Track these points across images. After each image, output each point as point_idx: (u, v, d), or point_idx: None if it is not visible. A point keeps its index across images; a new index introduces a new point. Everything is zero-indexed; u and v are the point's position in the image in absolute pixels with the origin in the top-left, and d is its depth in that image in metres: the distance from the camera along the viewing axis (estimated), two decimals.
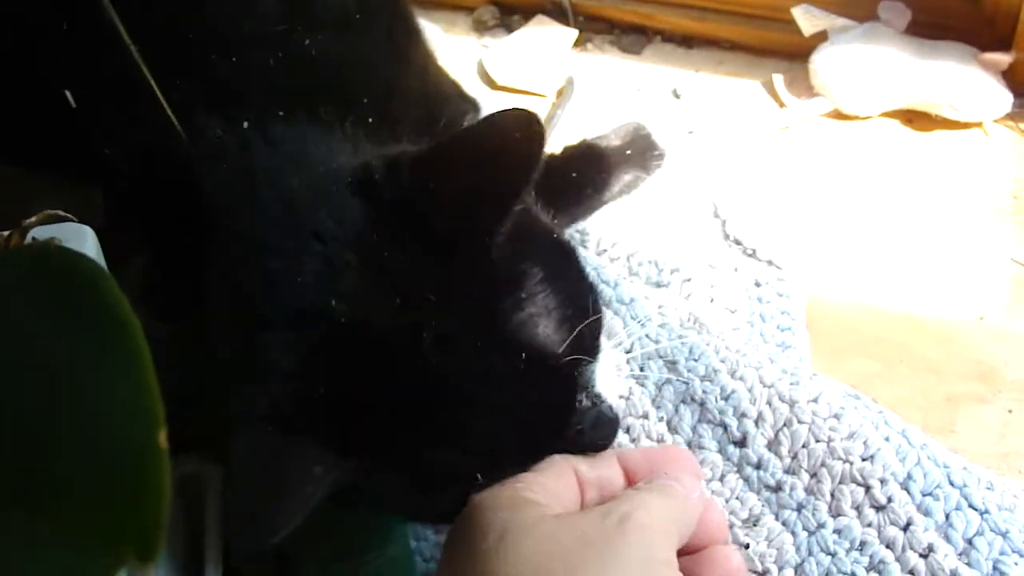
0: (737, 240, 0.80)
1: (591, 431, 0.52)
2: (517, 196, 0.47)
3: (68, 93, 0.58)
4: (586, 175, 0.84)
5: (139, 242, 0.62)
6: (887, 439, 0.56)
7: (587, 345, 0.51)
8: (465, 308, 0.48)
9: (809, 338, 0.74)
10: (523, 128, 0.45)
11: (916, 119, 0.90)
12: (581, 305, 0.51)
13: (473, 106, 0.76)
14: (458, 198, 0.48)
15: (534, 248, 0.51)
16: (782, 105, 0.93)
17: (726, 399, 0.60)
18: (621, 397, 0.62)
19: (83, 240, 0.56)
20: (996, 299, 0.76)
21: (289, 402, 0.47)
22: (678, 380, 0.61)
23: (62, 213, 0.61)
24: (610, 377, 0.54)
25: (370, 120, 0.56)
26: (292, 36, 0.59)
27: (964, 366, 0.73)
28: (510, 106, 0.46)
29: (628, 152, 0.86)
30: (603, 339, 0.54)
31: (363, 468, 0.47)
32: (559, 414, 0.51)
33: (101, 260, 0.45)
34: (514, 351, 0.48)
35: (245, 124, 0.56)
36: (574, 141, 0.87)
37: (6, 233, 0.60)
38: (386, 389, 0.47)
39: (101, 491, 0.29)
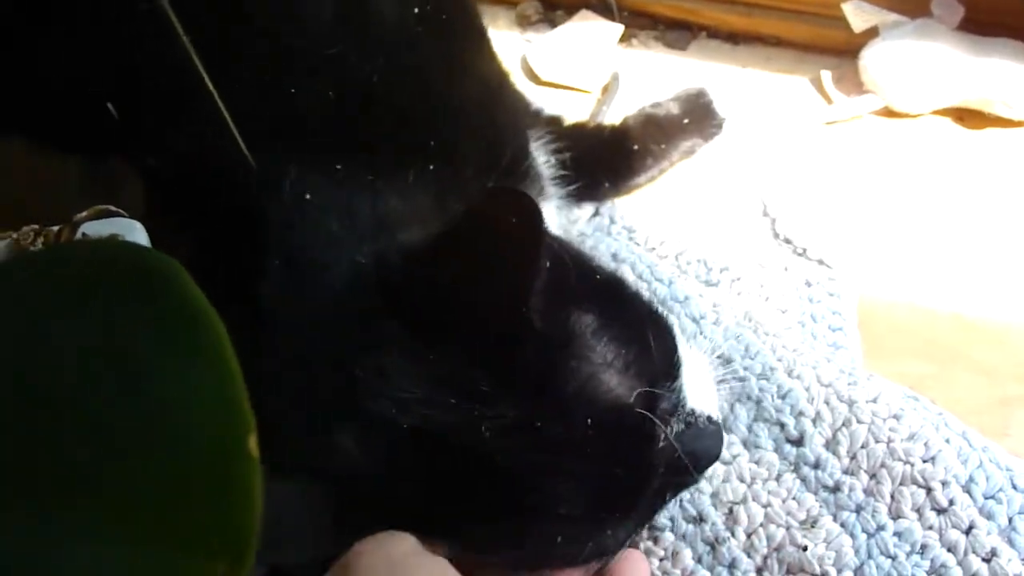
0: (787, 239, 0.79)
1: (691, 452, 0.50)
2: (530, 279, 0.45)
3: (111, 106, 0.58)
4: (646, 147, 0.84)
5: (180, 241, 0.62)
6: (948, 441, 0.55)
7: (661, 370, 0.50)
8: (521, 390, 0.46)
9: (860, 339, 0.73)
10: (517, 212, 0.43)
11: (968, 117, 0.89)
12: (641, 336, 0.49)
13: (531, 118, 0.74)
14: (470, 294, 0.46)
15: (578, 296, 0.50)
16: (830, 102, 0.92)
17: (783, 398, 0.59)
18: None
19: (134, 235, 0.56)
20: None
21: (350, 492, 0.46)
22: (733, 378, 0.60)
23: (113, 208, 0.61)
24: (702, 384, 0.53)
25: (431, 167, 0.55)
26: (347, 61, 0.57)
27: (1018, 368, 0.71)
28: (498, 193, 0.45)
29: (687, 121, 0.86)
30: (681, 347, 0.52)
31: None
32: (638, 461, 0.49)
33: None
34: (580, 418, 0.46)
35: (292, 172, 0.54)
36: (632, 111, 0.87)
37: (55, 228, 0.60)
38: (455, 489, 0.46)
39: (183, 498, 0.28)
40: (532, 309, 0.46)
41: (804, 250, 0.77)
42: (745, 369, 0.61)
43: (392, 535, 0.46)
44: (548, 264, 0.46)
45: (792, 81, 0.96)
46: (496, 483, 0.46)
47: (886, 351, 0.73)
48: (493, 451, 0.45)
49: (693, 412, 0.52)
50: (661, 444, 0.49)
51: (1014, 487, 0.53)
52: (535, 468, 0.46)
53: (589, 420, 0.46)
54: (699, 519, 0.56)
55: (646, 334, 0.50)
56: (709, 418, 0.53)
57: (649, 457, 0.49)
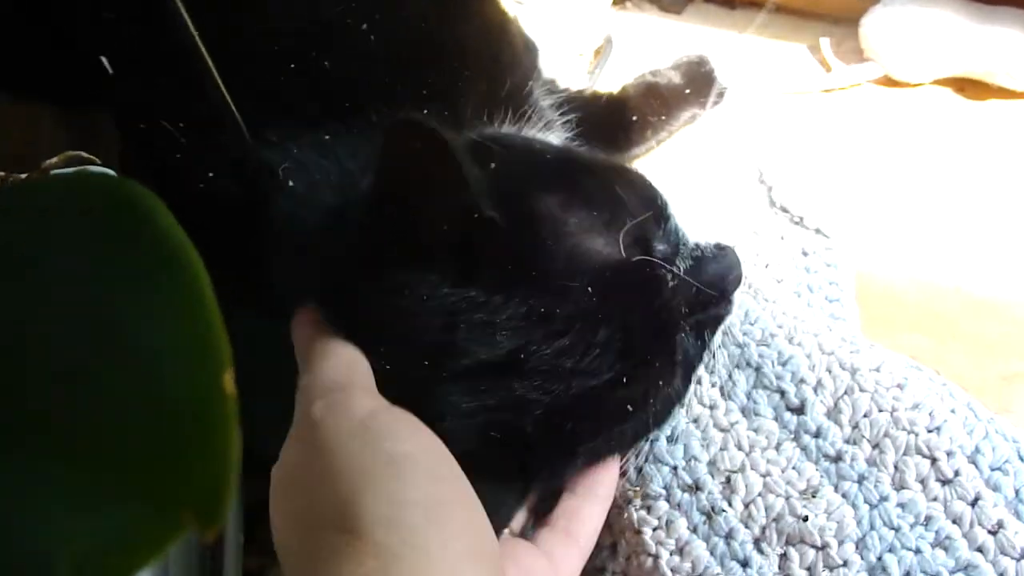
0: (783, 207, 0.76)
1: (708, 281, 0.52)
2: (462, 190, 0.45)
3: (104, 60, 0.55)
4: (645, 118, 0.82)
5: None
6: (953, 411, 0.52)
7: (645, 215, 0.51)
8: (512, 287, 0.47)
9: (857, 311, 0.71)
10: (417, 139, 0.43)
11: (969, 87, 0.87)
12: (610, 193, 0.51)
13: (532, 56, 0.72)
14: (421, 221, 0.46)
15: (535, 181, 0.51)
16: (829, 69, 0.90)
17: (783, 364, 0.57)
18: None
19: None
20: None
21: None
22: (732, 344, 0.58)
23: (84, 155, 0.58)
24: (699, 218, 0.54)
25: (427, 108, 0.53)
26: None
27: (1020, 344, 0.70)
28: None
29: (688, 91, 0.84)
30: (661, 191, 0.54)
31: None
32: (652, 306, 0.50)
33: None
34: (580, 289, 0.47)
35: (277, 124, 0.55)
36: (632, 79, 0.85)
37: (23, 175, 0.57)
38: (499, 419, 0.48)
39: (156, 444, 0.25)
40: (486, 211, 0.46)
41: (801, 219, 0.75)
42: (744, 335, 0.58)
43: (351, 394, 0.44)
44: (490, 166, 0.48)
45: (790, 48, 0.94)
46: (530, 386, 0.47)
47: (884, 324, 0.71)
48: (513, 357, 0.46)
49: (698, 246, 0.54)
50: (672, 283, 0.50)
51: (1021, 459, 0.51)
52: (559, 355, 0.47)
53: (589, 288, 0.47)
54: (695, 488, 0.54)
55: (614, 190, 0.51)
56: (717, 245, 0.54)
57: (663, 298, 0.50)
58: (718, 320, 0.55)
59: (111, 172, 0.55)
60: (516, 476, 0.50)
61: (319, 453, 0.42)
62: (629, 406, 0.49)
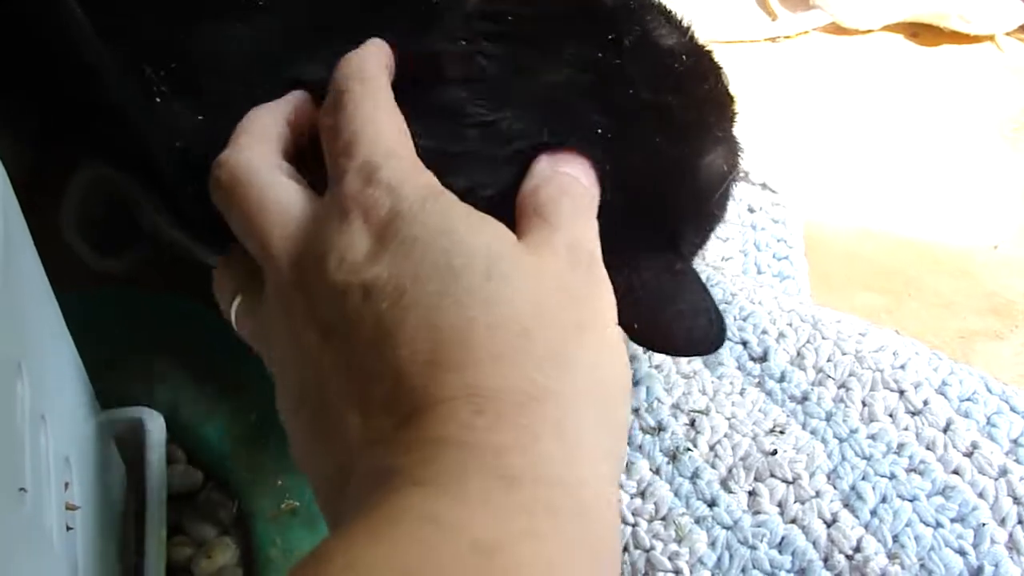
0: None
1: None
2: None
3: None
4: None
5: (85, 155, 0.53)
6: (917, 353, 0.52)
7: None
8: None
9: (807, 269, 0.67)
10: None
11: (922, 32, 0.85)
12: None
13: None
14: None
15: None
16: (774, 17, 0.87)
17: (744, 319, 0.55)
18: None
19: None
20: (1011, 226, 0.71)
21: None
22: None
23: None
24: None
25: None
26: None
27: (978, 300, 0.67)
28: None
29: None
30: None
31: None
32: None
33: (8, 192, 0.35)
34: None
35: None
36: None
37: None
38: None
39: None
40: None
41: (746, 173, 0.71)
42: None
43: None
44: None
45: None
46: None
47: (836, 282, 0.68)
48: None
49: None
50: None
51: (989, 391, 0.50)
52: None
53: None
54: (658, 429, 0.52)
55: None
56: None
57: None
58: None
59: None
60: None
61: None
62: None
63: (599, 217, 0.37)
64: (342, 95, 0.36)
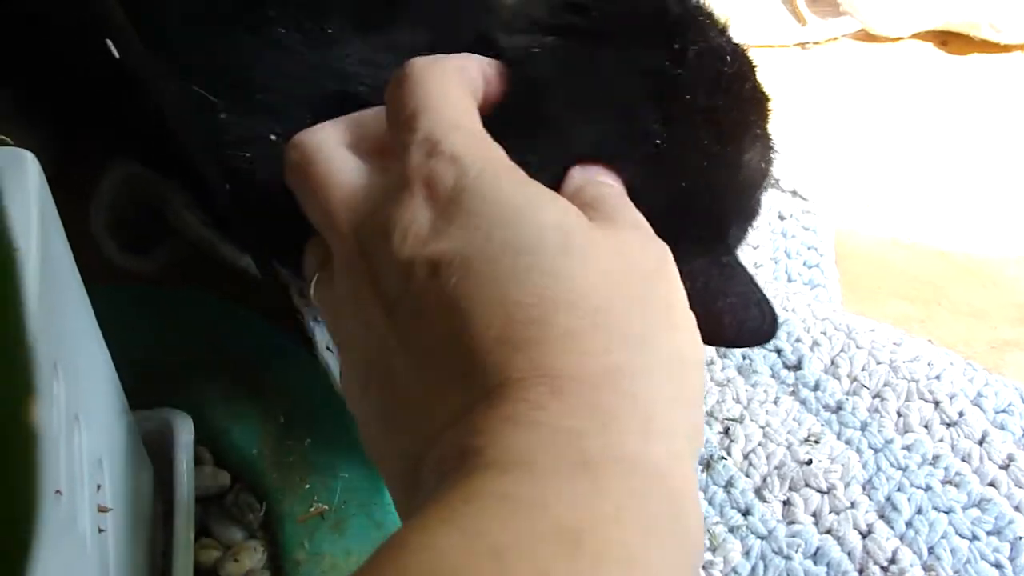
0: None
1: None
2: None
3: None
4: None
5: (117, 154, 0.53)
6: (952, 364, 0.52)
7: None
8: None
9: (838, 277, 0.66)
10: None
11: (952, 41, 0.84)
12: None
13: None
14: None
15: None
16: (804, 23, 0.86)
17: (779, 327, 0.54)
18: None
19: (22, 167, 0.47)
20: None
21: None
22: None
23: None
24: None
25: None
26: None
27: (1009, 309, 0.66)
28: None
29: None
30: None
31: None
32: None
33: (45, 190, 0.35)
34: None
35: None
36: None
37: None
38: None
39: None
40: None
41: (776, 180, 0.70)
42: None
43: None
44: None
45: (763, 0, 0.88)
46: None
47: (866, 291, 0.67)
48: None
49: None
50: None
51: None
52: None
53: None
54: None
55: None
56: None
57: None
58: None
59: (26, 154, 0.48)
60: None
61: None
62: None
63: (648, 215, 0.36)
64: (406, 69, 0.35)
